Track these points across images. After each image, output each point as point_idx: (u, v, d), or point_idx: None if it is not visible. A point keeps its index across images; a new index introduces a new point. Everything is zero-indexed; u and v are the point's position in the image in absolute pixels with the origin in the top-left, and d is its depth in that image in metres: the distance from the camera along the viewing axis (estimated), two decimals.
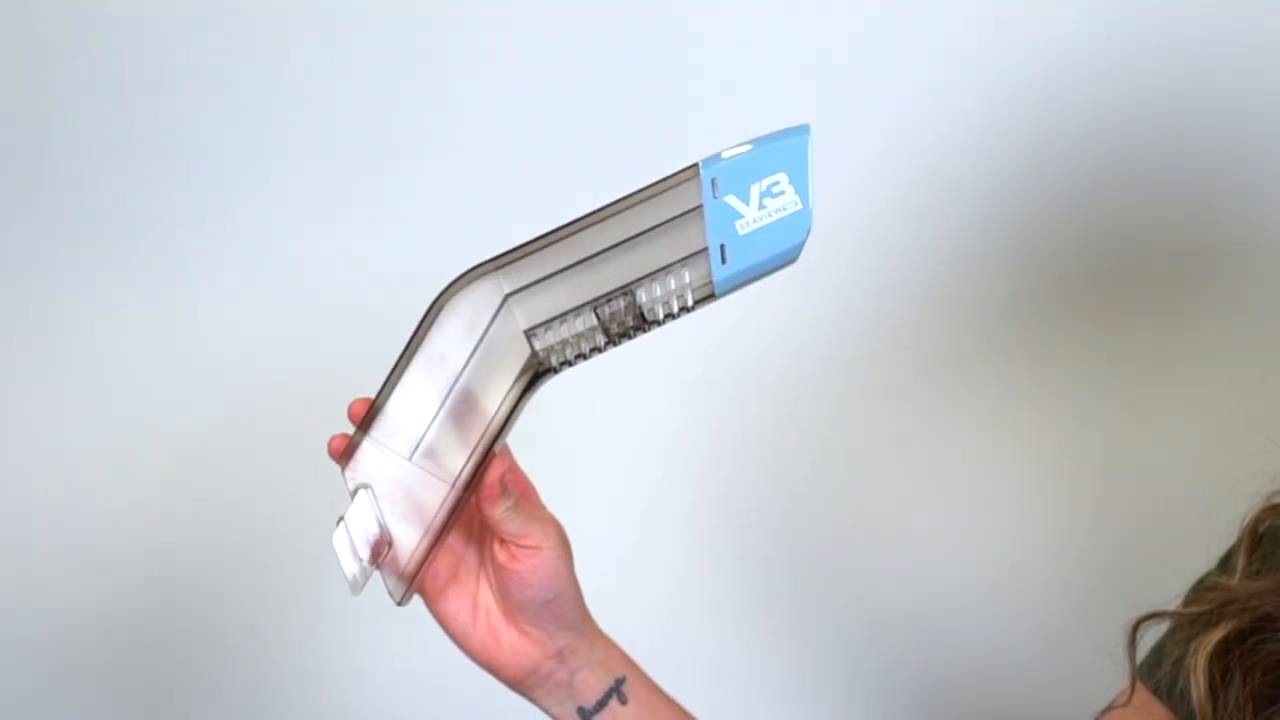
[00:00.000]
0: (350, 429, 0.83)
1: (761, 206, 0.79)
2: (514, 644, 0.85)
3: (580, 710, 0.87)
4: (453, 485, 0.81)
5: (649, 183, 0.80)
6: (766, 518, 1.31)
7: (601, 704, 0.87)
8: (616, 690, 0.87)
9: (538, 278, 0.80)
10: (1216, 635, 0.82)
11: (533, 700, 0.87)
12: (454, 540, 0.85)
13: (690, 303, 0.80)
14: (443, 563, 0.84)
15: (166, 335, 1.34)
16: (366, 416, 0.82)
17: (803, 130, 0.79)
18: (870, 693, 1.31)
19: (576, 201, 0.82)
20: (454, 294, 0.81)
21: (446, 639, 0.87)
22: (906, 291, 1.26)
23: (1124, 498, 1.26)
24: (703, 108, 1.26)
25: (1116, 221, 1.24)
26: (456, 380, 0.81)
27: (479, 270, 0.81)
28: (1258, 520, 0.87)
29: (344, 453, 0.82)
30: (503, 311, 0.80)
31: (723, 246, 0.79)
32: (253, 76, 1.30)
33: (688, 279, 0.79)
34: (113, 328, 1.35)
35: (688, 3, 1.26)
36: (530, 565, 0.83)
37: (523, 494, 0.85)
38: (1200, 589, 0.89)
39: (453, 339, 0.81)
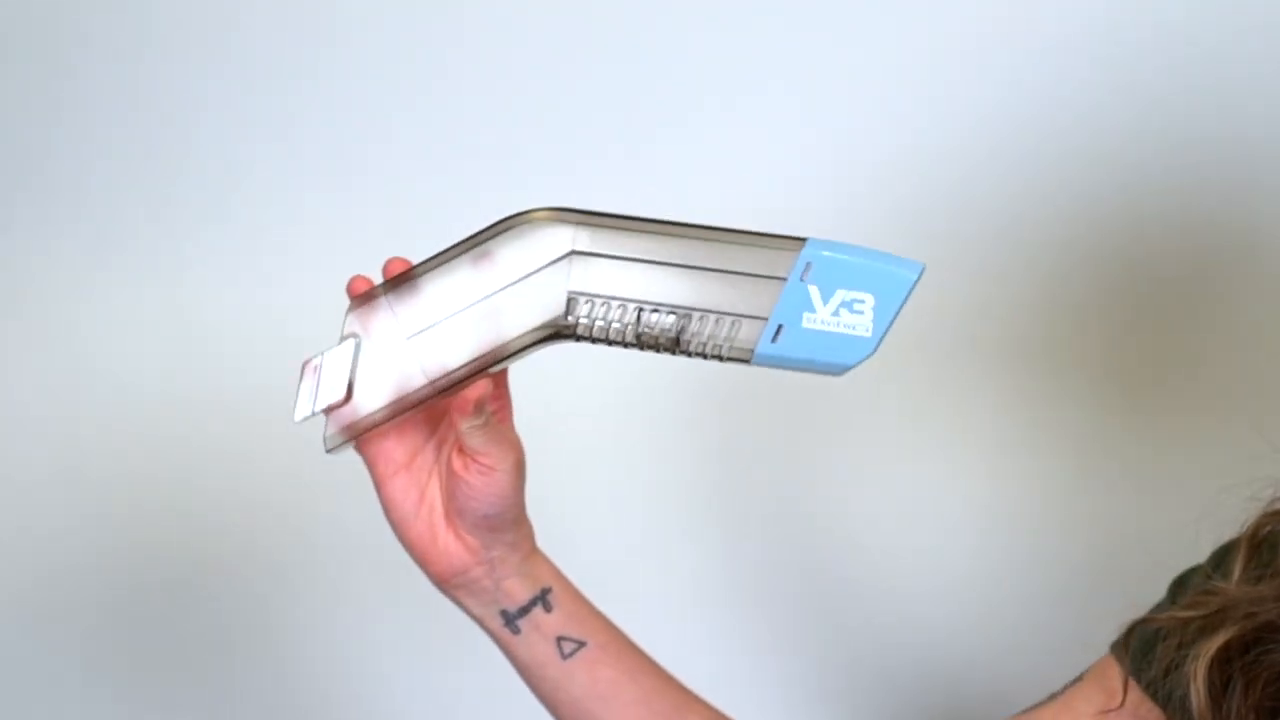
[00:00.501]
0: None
1: (835, 313, 0.78)
2: (448, 545, 0.86)
3: (503, 613, 0.88)
4: (432, 384, 0.82)
5: (758, 229, 0.79)
6: (764, 522, 1.32)
7: (525, 610, 0.87)
8: (542, 599, 0.88)
9: (610, 253, 0.80)
10: (1217, 642, 0.82)
11: (455, 600, 0.88)
12: (418, 430, 0.85)
13: (724, 355, 0.80)
14: (401, 448, 0.85)
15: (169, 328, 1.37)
16: (397, 278, 0.82)
17: (915, 267, 0.78)
18: (863, 695, 1.32)
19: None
20: (532, 221, 0.81)
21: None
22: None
23: (1122, 501, 1.27)
24: (703, 109, 1.28)
25: (1114, 229, 1.24)
26: (489, 295, 0.81)
27: (565, 214, 0.81)
28: (1258, 525, 0.86)
29: (360, 297, 0.83)
30: (562, 262, 0.80)
31: (780, 327, 0.78)
32: (255, 80, 1.34)
33: (737, 334, 0.79)
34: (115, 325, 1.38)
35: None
36: (480, 481, 0.83)
37: (498, 410, 0.85)
38: (1197, 592, 0.87)
39: (508, 256, 0.81)
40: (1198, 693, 0.81)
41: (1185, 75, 1.22)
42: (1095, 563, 1.26)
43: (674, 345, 0.80)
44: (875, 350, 0.78)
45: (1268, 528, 0.86)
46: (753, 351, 0.79)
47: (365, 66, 1.31)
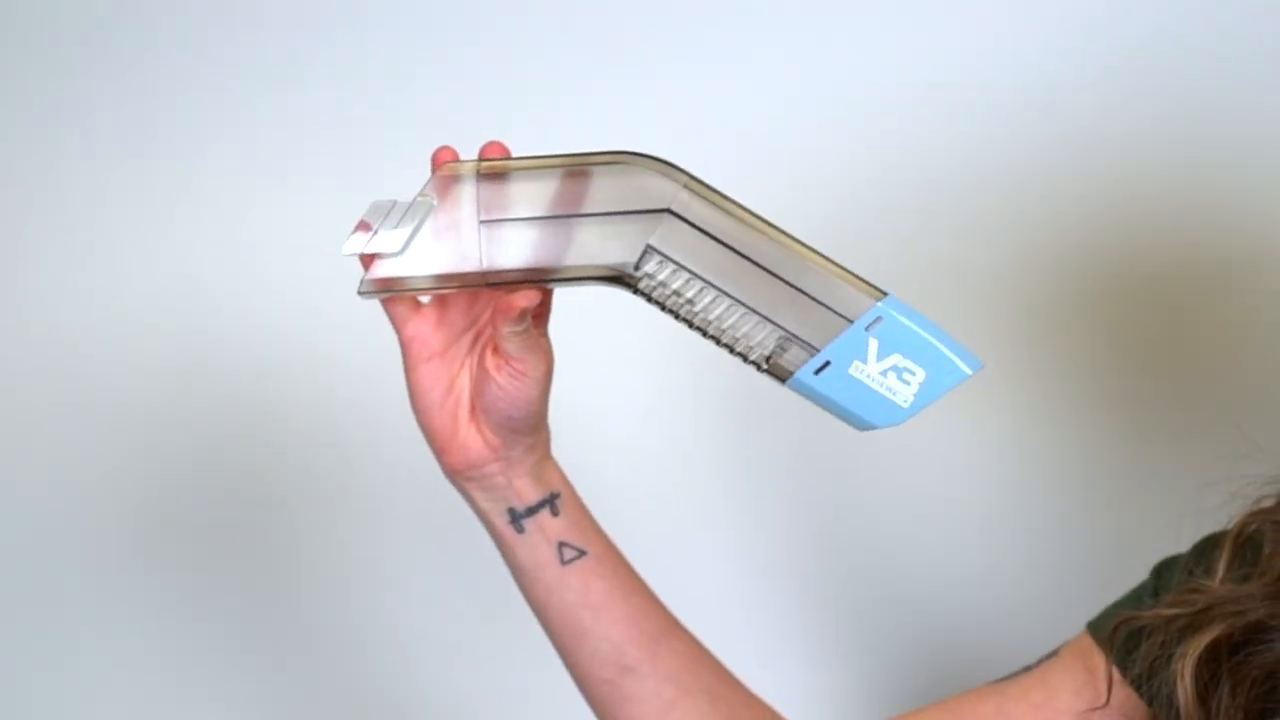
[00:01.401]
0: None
1: (884, 374, 0.79)
2: (469, 438, 0.87)
3: (510, 510, 0.89)
4: (484, 274, 0.82)
5: (846, 265, 0.80)
6: (779, 519, 1.35)
7: (532, 510, 0.89)
8: (550, 502, 0.89)
9: (703, 226, 0.80)
10: (1203, 641, 0.82)
11: (464, 492, 0.89)
12: (456, 321, 0.86)
13: (764, 366, 0.81)
14: (438, 336, 0.85)
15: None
16: (493, 161, 0.82)
17: (973, 363, 0.79)
18: (862, 682, 1.36)
19: None
20: (643, 165, 0.81)
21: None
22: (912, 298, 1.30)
23: (1109, 498, 1.30)
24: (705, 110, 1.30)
25: (1107, 229, 1.27)
26: (574, 214, 0.81)
27: (675, 171, 0.80)
28: (1244, 523, 0.87)
29: (447, 163, 0.82)
30: (654, 215, 0.80)
31: (828, 364, 0.79)
32: (264, 81, 1.33)
33: (784, 353, 0.80)
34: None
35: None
36: (511, 383, 0.85)
37: (540, 314, 0.86)
38: (1181, 590, 0.88)
39: (606, 187, 0.81)
40: (1185, 691, 0.82)
41: (1185, 75, 1.23)
42: (1083, 559, 1.30)
43: (721, 337, 0.81)
44: (904, 420, 0.79)
45: (1253, 526, 0.87)
46: (792, 375, 0.80)
47: (380, 70, 1.33)
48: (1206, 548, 0.91)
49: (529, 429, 0.87)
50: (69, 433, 1.37)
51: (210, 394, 1.35)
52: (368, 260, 0.82)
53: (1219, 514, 0.89)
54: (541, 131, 1.27)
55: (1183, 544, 0.94)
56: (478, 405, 0.86)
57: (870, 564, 1.34)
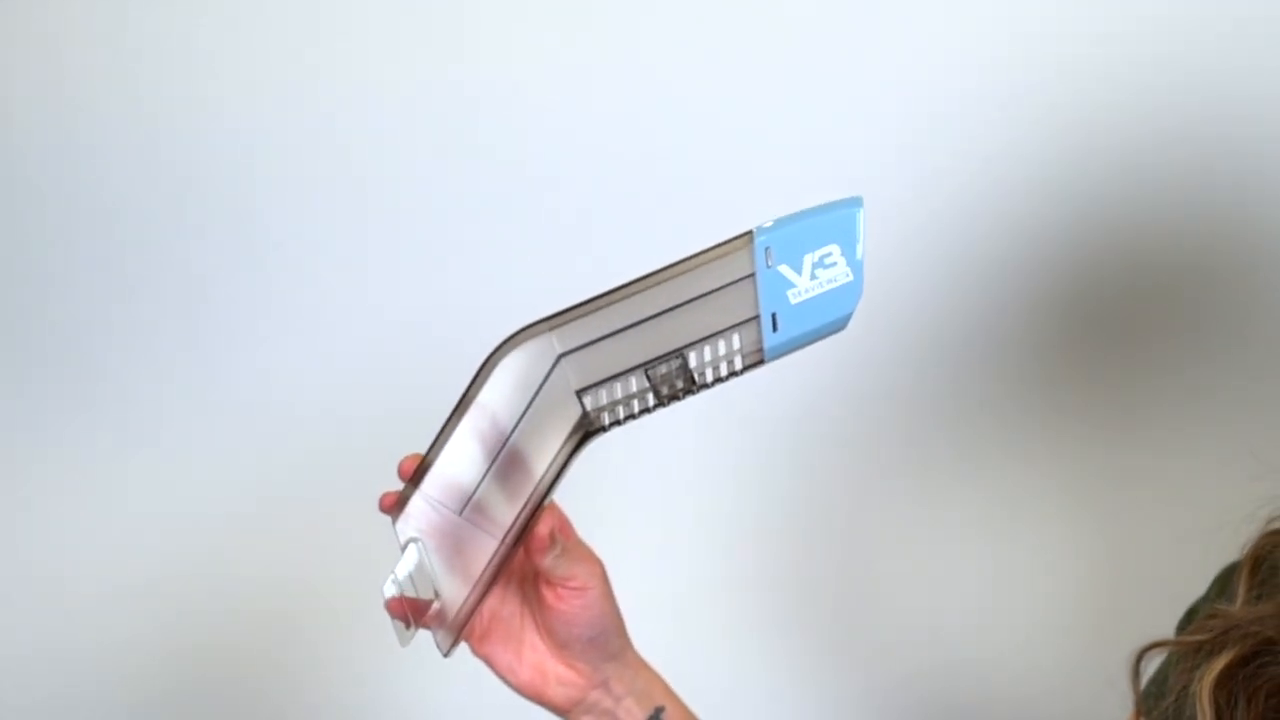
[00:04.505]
0: (399, 485, 0.84)
1: (813, 277, 0.80)
2: (561, 676, 0.88)
3: None
4: (502, 541, 0.83)
5: (702, 248, 0.81)
6: (784, 544, 1.34)
7: None
8: (656, 717, 0.90)
9: (591, 339, 0.81)
10: (1220, 663, 0.83)
11: None
12: (498, 584, 0.86)
13: (740, 367, 0.82)
14: (487, 607, 0.86)
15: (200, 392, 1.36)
16: (417, 472, 0.83)
17: (855, 202, 0.80)
18: (858, 691, 1.34)
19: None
20: (507, 351, 0.82)
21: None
22: (919, 319, 1.28)
23: (1123, 525, 1.28)
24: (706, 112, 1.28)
25: (1118, 245, 1.25)
26: (507, 439, 0.82)
27: (533, 329, 0.82)
28: (1258, 547, 0.88)
29: (395, 505, 0.83)
30: (556, 371, 0.82)
31: (774, 315, 0.81)
32: (278, 121, 1.31)
33: (738, 344, 0.81)
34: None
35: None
36: (576, 605, 0.85)
37: (562, 527, 0.87)
38: (1202, 617, 0.89)
39: (504, 396, 0.82)
40: (1203, 712, 0.82)
41: (1185, 75, 1.22)
42: (1099, 588, 1.28)
43: (691, 383, 0.82)
44: (862, 287, 0.81)
45: (1267, 548, 0.88)
46: (762, 349, 0.81)
47: (394, 113, 1.31)
48: (1225, 578, 0.92)
49: (611, 640, 0.88)
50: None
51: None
52: (425, 622, 0.83)
53: (1235, 538, 0.89)
54: (546, 140, 1.29)
55: (1198, 568, 0.94)
56: (553, 644, 0.87)
57: (865, 570, 1.33)
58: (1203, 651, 0.85)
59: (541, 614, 0.87)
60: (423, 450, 0.83)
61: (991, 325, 1.28)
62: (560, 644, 0.86)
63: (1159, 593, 0.97)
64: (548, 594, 0.85)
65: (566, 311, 0.82)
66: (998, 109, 1.24)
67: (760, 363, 0.82)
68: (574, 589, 0.85)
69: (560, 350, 0.82)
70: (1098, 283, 1.26)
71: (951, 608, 1.31)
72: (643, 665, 0.91)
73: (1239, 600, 0.87)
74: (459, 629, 0.84)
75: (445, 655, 0.85)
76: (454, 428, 0.83)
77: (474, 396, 0.82)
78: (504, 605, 0.87)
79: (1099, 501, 1.29)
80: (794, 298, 0.81)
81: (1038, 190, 1.25)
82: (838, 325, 0.81)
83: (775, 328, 0.81)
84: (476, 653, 0.87)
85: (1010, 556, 1.30)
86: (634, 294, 0.81)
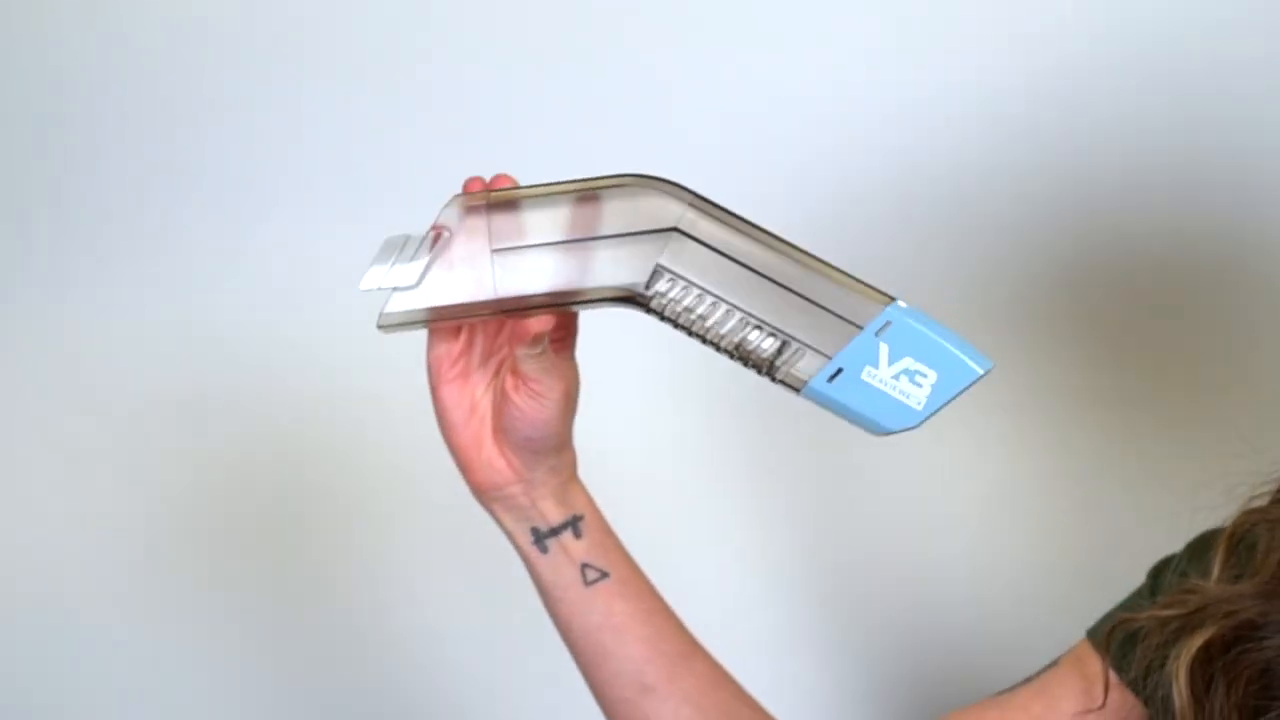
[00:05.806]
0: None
1: (896, 377, 0.80)
2: (491, 458, 0.88)
3: (534, 531, 0.91)
4: (499, 302, 0.83)
5: (853, 272, 0.81)
6: (783, 521, 1.37)
7: (554, 531, 0.91)
8: (573, 524, 0.91)
9: (710, 243, 0.81)
10: (1197, 642, 0.83)
11: (490, 511, 0.91)
12: (481, 343, 0.87)
13: (777, 376, 0.81)
14: (462, 359, 0.87)
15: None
16: (502, 191, 0.84)
17: (983, 363, 0.80)
18: (865, 683, 1.37)
19: None
20: (649, 186, 0.82)
21: None
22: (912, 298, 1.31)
23: (1105, 499, 1.32)
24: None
25: (1106, 227, 1.28)
26: (582, 240, 0.83)
27: (681, 191, 0.82)
28: (1238, 523, 0.88)
29: (457, 196, 0.84)
30: (662, 235, 0.82)
31: (840, 371, 0.80)
32: (268, 100, 1.36)
33: (797, 363, 0.81)
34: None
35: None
36: (528, 405, 0.86)
37: (560, 340, 0.87)
38: (1177, 590, 0.88)
39: (614, 210, 0.82)
40: (1180, 693, 0.82)
41: (1185, 75, 1.24)
42: (1079, 560, 1.31)
43: (734, 350, 0.82)
44: (919, 423, 0.80)
45: (1247, 525, 0.87)
46: (805, 384, 0.81)
47: (381, 87, 1.36)
48: (1201, 546, 0.92)
49: (550, 450, 0.88)
50: (79, 433, 1.39)
51: (225, 393, 1.38)
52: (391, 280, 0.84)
53: (1214, 514, 0.89)
54: (545, 137, 1.32)
55: (1178, 544, 0.94)
56: (498, 426, 0.88)
57: (871, 567, 1.35)
58: (1174, 626, 0.85)
59: (498, 395, 0.88)
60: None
61: (983, 314, 1.30)
62: (503, 428, 0.87)
63: (1142, 568, 0.96)
64: (509, 381, 0.87)
65: (717, 206, 0.82)
66: (997, 107, 1.28)
67: (795, 391, 0.81)
68: (532, 391, 0.86)
69: (681, 226, 0.82)
70: (1083, 268, 1.29)
71: (949, 598, 1.34)
72: (575, 480, 0.91)
73: (1214, 576, 0.86)
74: (405, 322, 0.84)
75: (378, 327, 0.85)
76: (557, 192, 0.83)
77: (595, 187, 0.83)
78: (478, 367, 0.88)
79: (1085, 478, 1.32)
80: (866, 376, 0.80)
81: (1038, 190, 1.28)
82: (874, 428, 0.81)
83: (831, 380, 0.80)
84: (435, 393, 0.88)
85: (1004, 543, 1.33)
86: (774, 249, 0.81)
